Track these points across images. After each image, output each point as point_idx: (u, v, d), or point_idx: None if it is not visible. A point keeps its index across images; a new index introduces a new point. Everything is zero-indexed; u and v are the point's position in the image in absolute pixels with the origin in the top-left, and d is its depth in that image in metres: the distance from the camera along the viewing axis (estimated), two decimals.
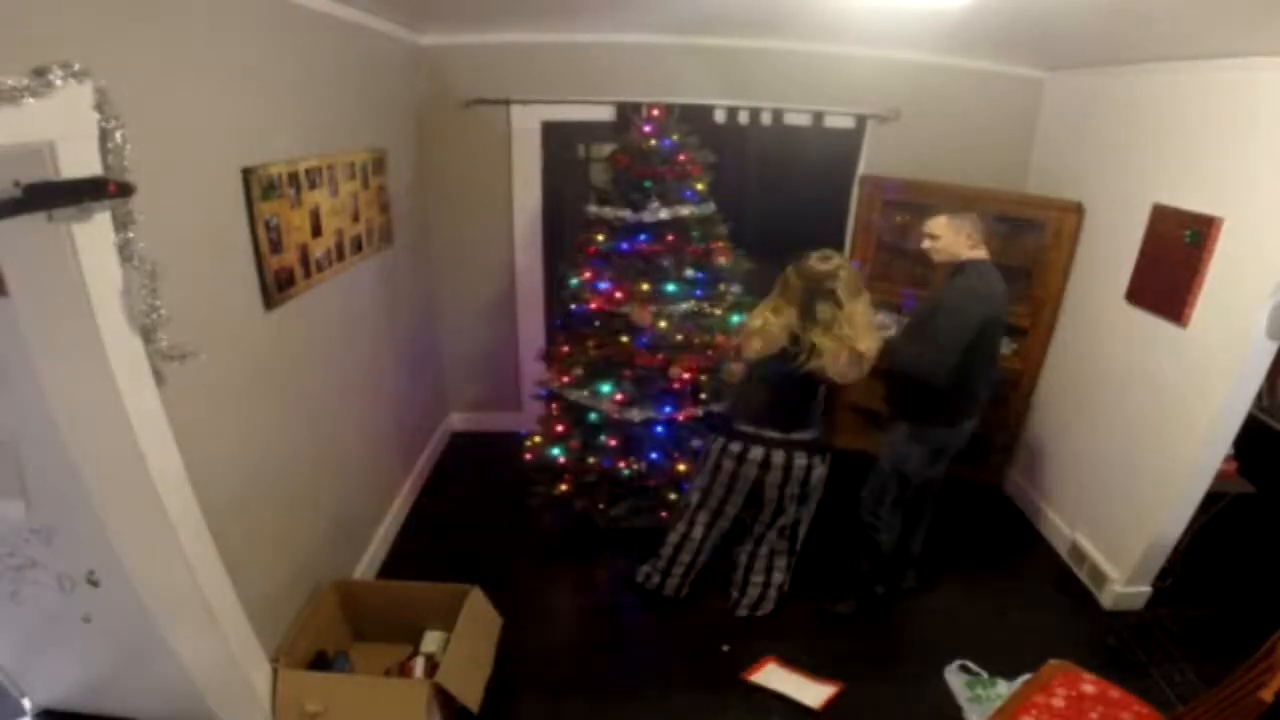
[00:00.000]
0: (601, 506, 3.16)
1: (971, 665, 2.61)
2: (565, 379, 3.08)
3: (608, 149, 3.18)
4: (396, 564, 3.14)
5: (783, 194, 3.71)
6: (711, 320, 2.98)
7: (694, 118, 3.30)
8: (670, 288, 2.92)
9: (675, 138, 2.91)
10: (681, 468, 3.05)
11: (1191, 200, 2.62)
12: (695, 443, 3.00)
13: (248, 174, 1.98)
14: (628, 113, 3.31)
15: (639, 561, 2.97)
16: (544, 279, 3.95)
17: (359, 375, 2.94)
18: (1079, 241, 3.29)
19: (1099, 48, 2.93)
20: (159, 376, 1.65)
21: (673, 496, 3.08)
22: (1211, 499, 2.75)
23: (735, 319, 2.95)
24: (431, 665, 2.27)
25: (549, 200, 3.82)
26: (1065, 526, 3.32)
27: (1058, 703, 1.92)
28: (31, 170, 1.30)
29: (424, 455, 3.84)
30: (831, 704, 2.43)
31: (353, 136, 2.75)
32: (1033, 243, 3.38)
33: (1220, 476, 2.71)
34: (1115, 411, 3.01)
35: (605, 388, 3.00)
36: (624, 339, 2.95)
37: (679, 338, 2.91)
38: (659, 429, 3.01)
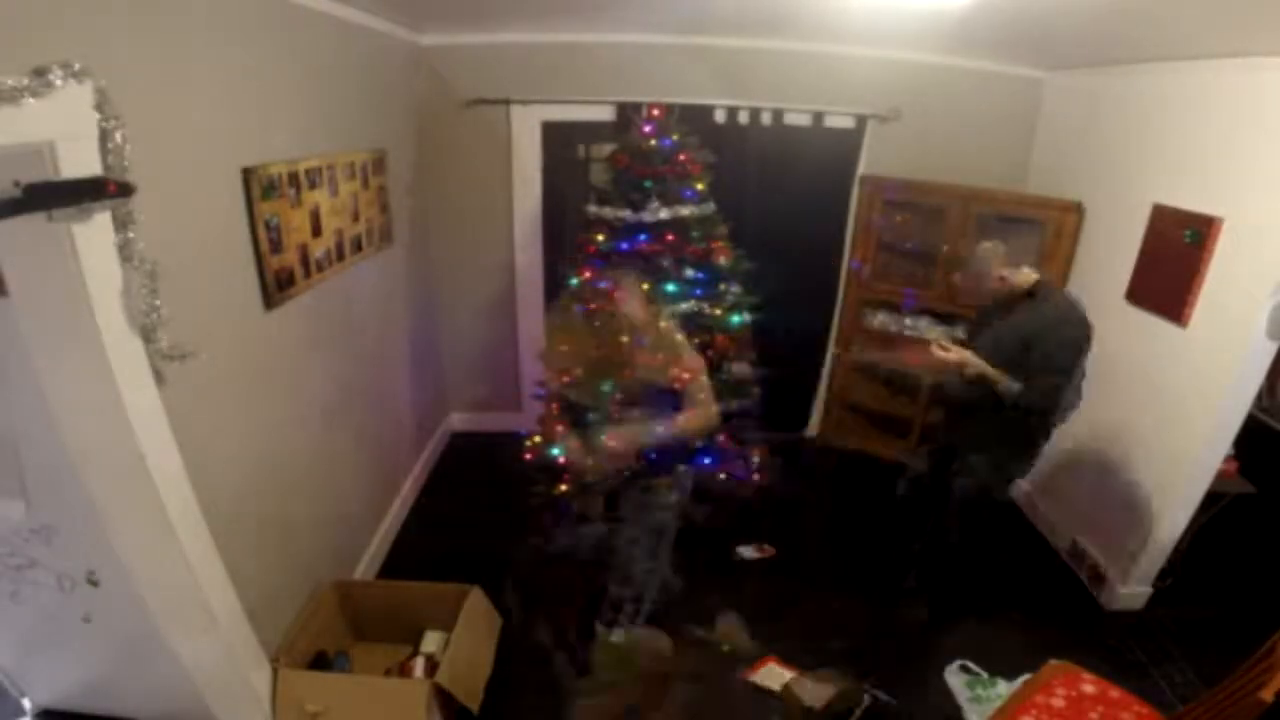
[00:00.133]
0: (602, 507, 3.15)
1: (971, 665, 2.61)
2: (565, 379, 3.07)
3: (608, 149, 3.18)
4: (396, 564, 3.14)
5: (783, 194, 3.70)
6: (711, 320, 2.97)
7: (694, 118, 3.30)
8: (670, 288, 2.91)
9: (675, 138, 2.90)
10: (682, 467, 3.03)
11: (1191, 200, 2.62)
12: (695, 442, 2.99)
13: (248, 174, 1.98)
14: (628, 113, 3.31)
15: None
16: (544, 279, 3.95)
17: (359, 375, 2.94)
18: (1079, 241, 3.29)
19: (1099, 48, 2.93)
20: (159, 376, 1.65)
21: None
22: (1211, 499, 2.75)
23: (735, 319, 2.94)
24: (431, 665, 2.27)
25: (549, 200, 3.82)
26: (1065, 526, 3.32)
27: (1058, 703, 1.92)
28: (31, 170, 1.30)
29: (424, 455, 3.84)
30: (832, 704, 2.42)
31: (353, 136, 2.75)
32: (1033, 242, 3.38)
33: (1220, 476, 2.72)
34: (1115, 411, 3.01)
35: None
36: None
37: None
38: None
